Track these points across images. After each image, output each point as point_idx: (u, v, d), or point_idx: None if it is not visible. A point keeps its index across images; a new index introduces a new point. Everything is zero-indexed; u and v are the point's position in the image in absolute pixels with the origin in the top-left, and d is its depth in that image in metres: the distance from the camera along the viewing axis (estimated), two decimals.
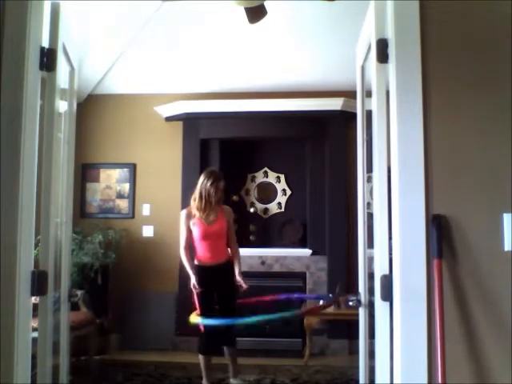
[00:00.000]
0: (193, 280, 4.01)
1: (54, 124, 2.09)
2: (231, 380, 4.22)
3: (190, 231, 4.09)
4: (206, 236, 4.04)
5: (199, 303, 4.01)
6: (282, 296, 4.75)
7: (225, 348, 4.15)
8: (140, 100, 6.02)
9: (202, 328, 4.02)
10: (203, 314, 3.97)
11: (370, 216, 2.21)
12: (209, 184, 4.02)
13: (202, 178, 4.09)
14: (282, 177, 6.16)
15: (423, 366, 1.75)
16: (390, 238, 1.89)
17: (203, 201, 4.02)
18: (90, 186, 6.02)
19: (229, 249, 4.18)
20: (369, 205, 2.37)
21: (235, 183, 5.98)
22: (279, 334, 5.59)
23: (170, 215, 5.72)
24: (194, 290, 4.01)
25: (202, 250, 4.08)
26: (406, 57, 1.85)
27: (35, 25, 1.90)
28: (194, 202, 4.07)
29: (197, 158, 5.78)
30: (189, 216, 4.08)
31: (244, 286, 4.04)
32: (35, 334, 1.97)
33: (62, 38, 2.11)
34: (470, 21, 1.87)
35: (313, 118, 5.71)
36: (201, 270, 4.07)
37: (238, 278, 4.06)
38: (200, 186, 4.06)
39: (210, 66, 5.57)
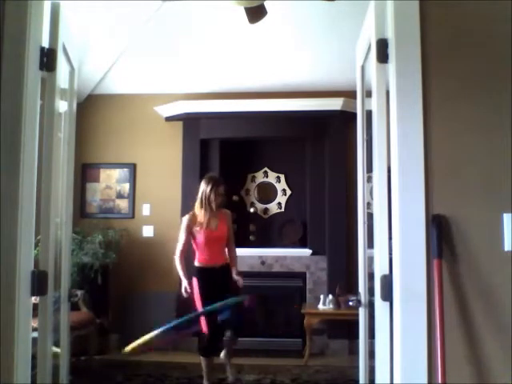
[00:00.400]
0: (184, 284, 4.03)
1: (53, 124, 2.09)
2: (230, 378, 4.22)
3: (189, 237, 4.12)
4: (208, 241, 4.07)
5: (202, 305, 4.01)
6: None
7: (228, 336, 4.10)
8: (140, 100, 6.02)
9: (204, 329, 4.02)
10: (207, 319, 3.96)
11: (370, 216, 2.21)
12: (208, 190, 4.06)
13: (202, 185, 4.13)
14: (282, 177, 6.16)
15: (423, 366, 1.75)
16: (390, 238, 1.89)
17: (204, 207, 4.05)
18: (89, 186, 6.01)
19: (226, 249, 4.20)
20: (369, 205, 2.37)
21: (235, 183, 5.98)
22: (279, 333, 5.59)
23: (169, 215, 5.72)
24: (184, 294, 4.04)
25: (203, 253, 4.11)
26: (406, 57, 1.85)
27: (35, 25, 1.90)
28: (196, 210, 4.11)
29: (197, 158, 5.78)
30: (191, 222, 4.10)
31: (241, 282, 4.03)
32: (35, 334, 1.97)
33: (62, 38, 2.11)
34: (470, 21, 1.87)
35: (313, 118, 5.71)
36: (201, 271, 4.10)
37: (236, 276, 4.06)
38: (200, 193, 4.10)
39: (210, 66, 5.57)
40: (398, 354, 1.78)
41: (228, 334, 4.07)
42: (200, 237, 4.07)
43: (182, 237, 4.13)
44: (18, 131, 1.82)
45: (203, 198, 4.06)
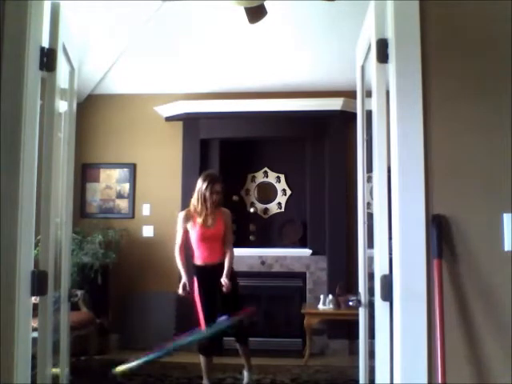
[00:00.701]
0: (184, 280, 4.05)
1: (53, 124, 2.09)
2: (244, 372, 4.25)
3: (185, 233, 4.13)
4: (203, 239, 4.07)
5: (202, 308, 4.00)
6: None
7: (238, 345, 4.16)
8: (140, 100, 6.02)
9: (203, 328, 4.02)
10: (206, 319, 3.96)
11: (370, 216, 2.21)
12: (204, 187, 4.05)
13: (198, 182, 4.13)
14: (282, 177, 6.16)
15: (423, 366, 1.75)
16: (390, 238, 1.89)
17: (200, 204, 4.05)
18: (89, 186, 6.02)
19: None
20: (369, 205, 2.37)
21: (235, 183, 5.98)
22: (279, 333, 5.59)
23: (169, 215, 5.70)
24: (181, 292, 4.04)
25: (199, 252, 4.11)
26: (406, 57, 1.85)
27: (35, 25, 1.90)
28: (192, 206, 4.11)
29: (197, 158, 5.78)
30: (186, 218, 4.11)
31: (226, 287, 3.96)
32: (35, 334, 1.97)
33: (62, 38, 2.11)
34: (470, 21, 1.87)
35: (313, 118, 5.71)
36: (199, 271, 4.11)
37: (224, 280, 3.99)
38: (197, 190, 4.10)
39: (210, 66, 5.57)
40: (398, 354, 1.78)
41: (237, 346, 4.14)
42: (194, 234, 4.08)
43: (179, 233, 4.15)
44: (18, 131, 1.82)
45: (199, 195, 4.06)
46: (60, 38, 2.08)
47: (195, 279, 4.09)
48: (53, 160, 2.08)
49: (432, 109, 1.84)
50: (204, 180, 4.08)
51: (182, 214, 4.17)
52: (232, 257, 4.15)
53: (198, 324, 4.03)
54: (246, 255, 5.51)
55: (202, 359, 4.08)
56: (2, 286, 1.76)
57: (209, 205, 4.04)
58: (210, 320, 3.94)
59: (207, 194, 4.03)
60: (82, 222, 5.68)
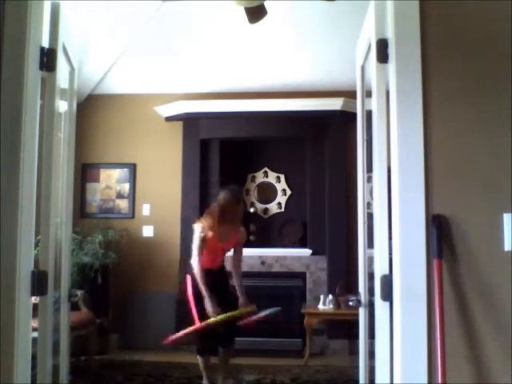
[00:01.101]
0: (211, 305, 3.83)
1: (53, 124, 2.09)
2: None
3: (203, 245, 3.99)
4: (212, 251, 4.03)
5: (195, 307, 3.99)
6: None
7: (221, 349, 4.11)
8: (140, 100, 6.02)
9: (199, 328, 4.01)
10: (200, 318, 3.96)
11: (370, 216, 2.21)
12: (235, 205, 3.98)
13: (226, 197, 3.99)
14: (282, 177, 6.16)
15: (423, 366, 1.75)
16: (390, 238, 1.89)
17: (225, 220, 3.96)
18: (89, 186, 6.02)
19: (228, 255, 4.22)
20: (369, 205, 2.37)
21: (235, 183, 5.97)
22: (279, 333, 5.59)
23: (170, 215, 5.73)
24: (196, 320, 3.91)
25: (204, 257, 4.05)
26: (406, 57, 1.85)
27: (35, 25, 1.90)
28: (209, 220, 4.00)
29: (197, 158, 5.78)
30: (205, 230, 3.97)
31: (254, 309, 4.03)
32: (35, 334, 1.97)
33: (62, 38, 2.11)
34: (470, 21, 1.87)
35: (313, 118, 5.71)
36: (204, 273, 4.09)
37: (244, 305, 4.02)
38: (222, 205, 3.97)
39: (210, 66, 5.57)
40: (398, 354, 1.78)
41: (220, 350, 4.09)
42: (206, 246, 4.00)
43: (198, 248, 3.96)
44: (18, 131, 1.82)
45: (228, 212, 3.95)
46: (60, 38, 2.08)
47: (189, 278, 4.04)
48: (53, 160, 2.08)
49: (432, 109, 1.84)
50: (238, 199, 4.04)
51: (199, 226, 3.99)
52: (241, 277, 4.17)
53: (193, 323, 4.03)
54: (245, 255, 5.44)
55: (199, 360, 4.09)
56: (2, 286, 1.76)
57: (235, 222, 4.03)
58: (203, 320, 3.91)
59: (240, 213, 4.04)
60: (82, 222, 5.68)
